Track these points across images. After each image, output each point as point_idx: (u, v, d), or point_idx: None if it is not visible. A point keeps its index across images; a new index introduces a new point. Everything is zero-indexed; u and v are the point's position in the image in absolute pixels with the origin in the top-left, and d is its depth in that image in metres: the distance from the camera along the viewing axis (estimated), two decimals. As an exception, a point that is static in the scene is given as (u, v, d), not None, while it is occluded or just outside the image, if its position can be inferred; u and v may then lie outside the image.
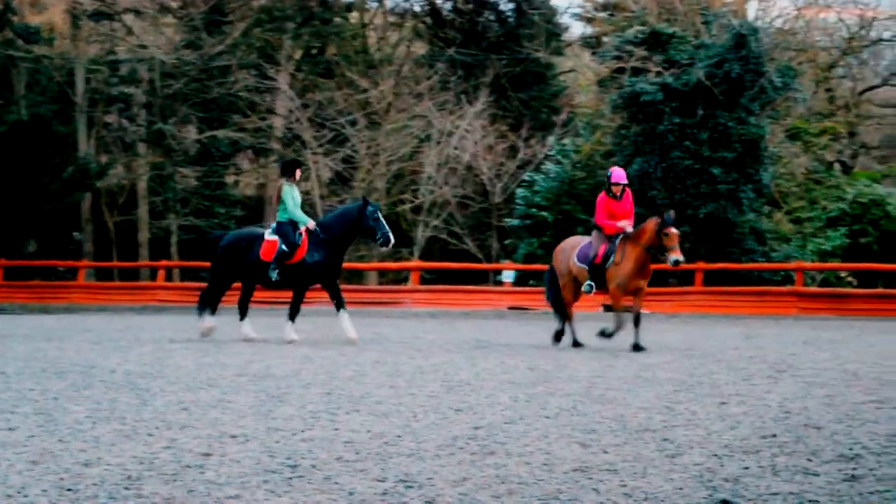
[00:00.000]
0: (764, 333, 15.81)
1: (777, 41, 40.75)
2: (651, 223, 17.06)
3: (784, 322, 27.94)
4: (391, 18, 48.74)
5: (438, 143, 41.23)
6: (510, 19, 46.64)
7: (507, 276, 38.38)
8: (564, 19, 52.25)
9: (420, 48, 48.73)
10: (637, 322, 16.99)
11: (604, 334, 17.32)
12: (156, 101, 43.75)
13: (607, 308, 32.75)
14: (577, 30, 52.08)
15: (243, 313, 18.97)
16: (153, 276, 40.19)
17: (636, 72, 36.65)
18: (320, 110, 42.42)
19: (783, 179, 39.63)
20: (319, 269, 18.17)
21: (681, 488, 6.42)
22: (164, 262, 40.20)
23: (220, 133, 43.36)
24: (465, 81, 43.39)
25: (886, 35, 60.09)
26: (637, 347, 16.60)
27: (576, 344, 17.73)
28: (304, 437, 8.11)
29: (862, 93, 62.32)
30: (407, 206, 41.80)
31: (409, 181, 42.15)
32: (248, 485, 6.39)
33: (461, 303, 34.44)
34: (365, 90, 42.71)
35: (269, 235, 18.34)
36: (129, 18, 44.75)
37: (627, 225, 17.19)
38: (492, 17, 46.41)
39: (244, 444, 7.78)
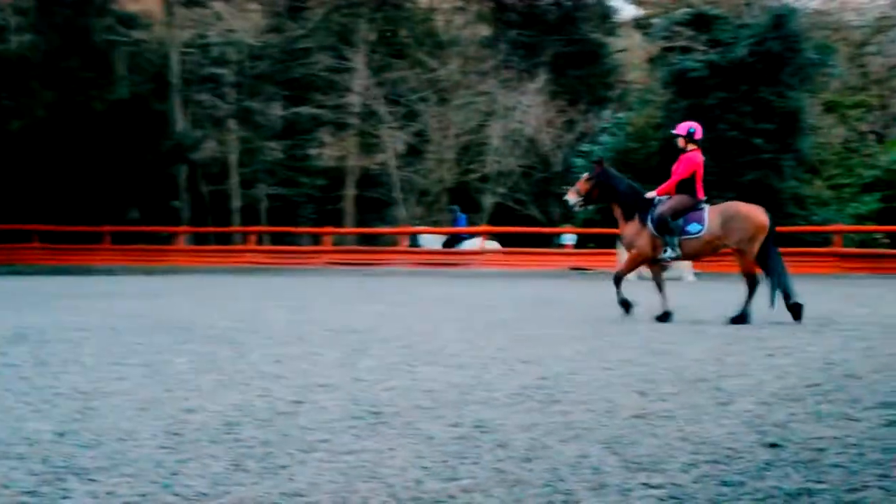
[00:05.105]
0: (806, 291, 15.51)
1: (813, 21, 40.31)
2: None
3: (825, 280, 27.64)
4: (456, 3, 48.52)
5: (502, 117, 41.17)
6: (567, 3, 46.28)
7: (568, 238, 38.24)
8: (617, 2, 52.04)
9: (484, 30, 48.52)
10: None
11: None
12: (243, 80, 43.93)
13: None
14: (628, 12, 51.66)
15: None
16: (244, 240, 40.54)
17: (684, 50, 36.43)
18: (393, 88, 42.49)
19: (821, 149, 39.22)
20: None
21: (732, 433, 6.36)
22: (254, 228, 40.58)
23: (303, 109, 43.51)
24: (525, 60, 43.17)
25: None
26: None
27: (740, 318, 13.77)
28: (386, 387, 8.10)
29: (892, 68, 61.51)
30: (474, 176, 41.70)
31: (476, 152, 42.02)
32: (335, 430, 6.39)
33: (525, 264, 34.17)
34: (434, 69, 42.70)
35: None
36: (218, 5, 44.86)
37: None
38: (549, 1, 46.06)
39: (331, 393, 7.77)
